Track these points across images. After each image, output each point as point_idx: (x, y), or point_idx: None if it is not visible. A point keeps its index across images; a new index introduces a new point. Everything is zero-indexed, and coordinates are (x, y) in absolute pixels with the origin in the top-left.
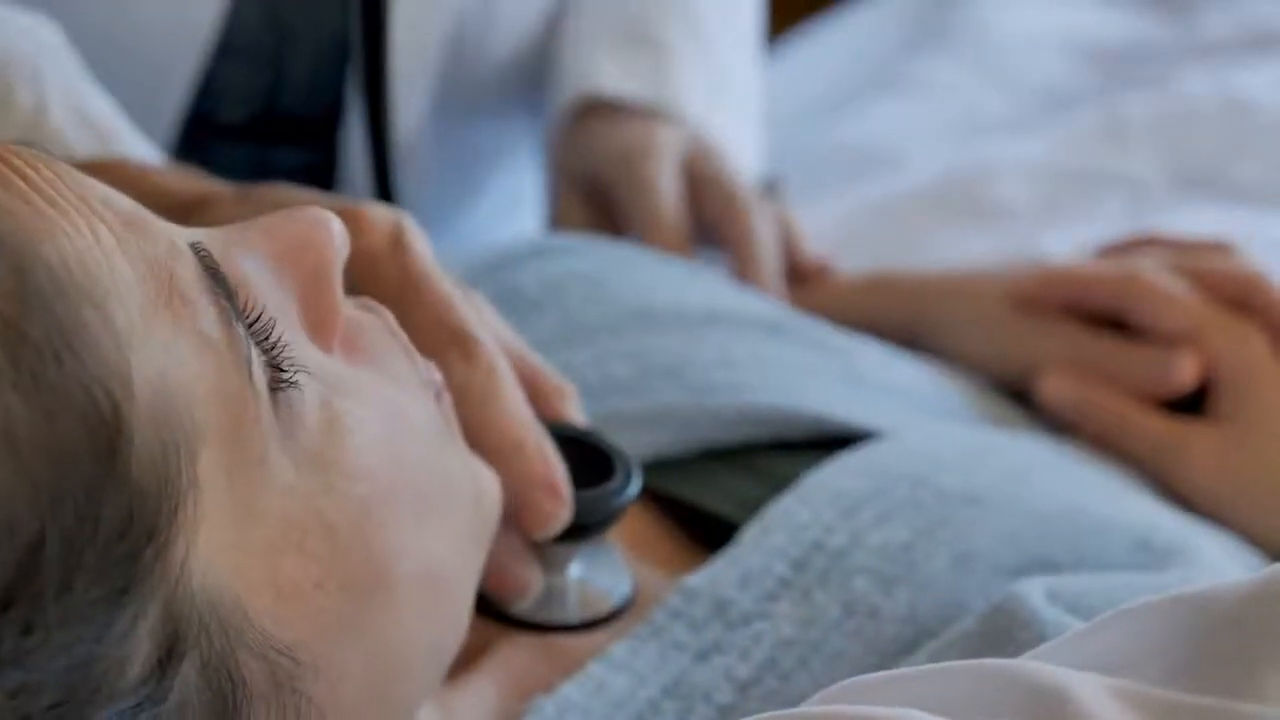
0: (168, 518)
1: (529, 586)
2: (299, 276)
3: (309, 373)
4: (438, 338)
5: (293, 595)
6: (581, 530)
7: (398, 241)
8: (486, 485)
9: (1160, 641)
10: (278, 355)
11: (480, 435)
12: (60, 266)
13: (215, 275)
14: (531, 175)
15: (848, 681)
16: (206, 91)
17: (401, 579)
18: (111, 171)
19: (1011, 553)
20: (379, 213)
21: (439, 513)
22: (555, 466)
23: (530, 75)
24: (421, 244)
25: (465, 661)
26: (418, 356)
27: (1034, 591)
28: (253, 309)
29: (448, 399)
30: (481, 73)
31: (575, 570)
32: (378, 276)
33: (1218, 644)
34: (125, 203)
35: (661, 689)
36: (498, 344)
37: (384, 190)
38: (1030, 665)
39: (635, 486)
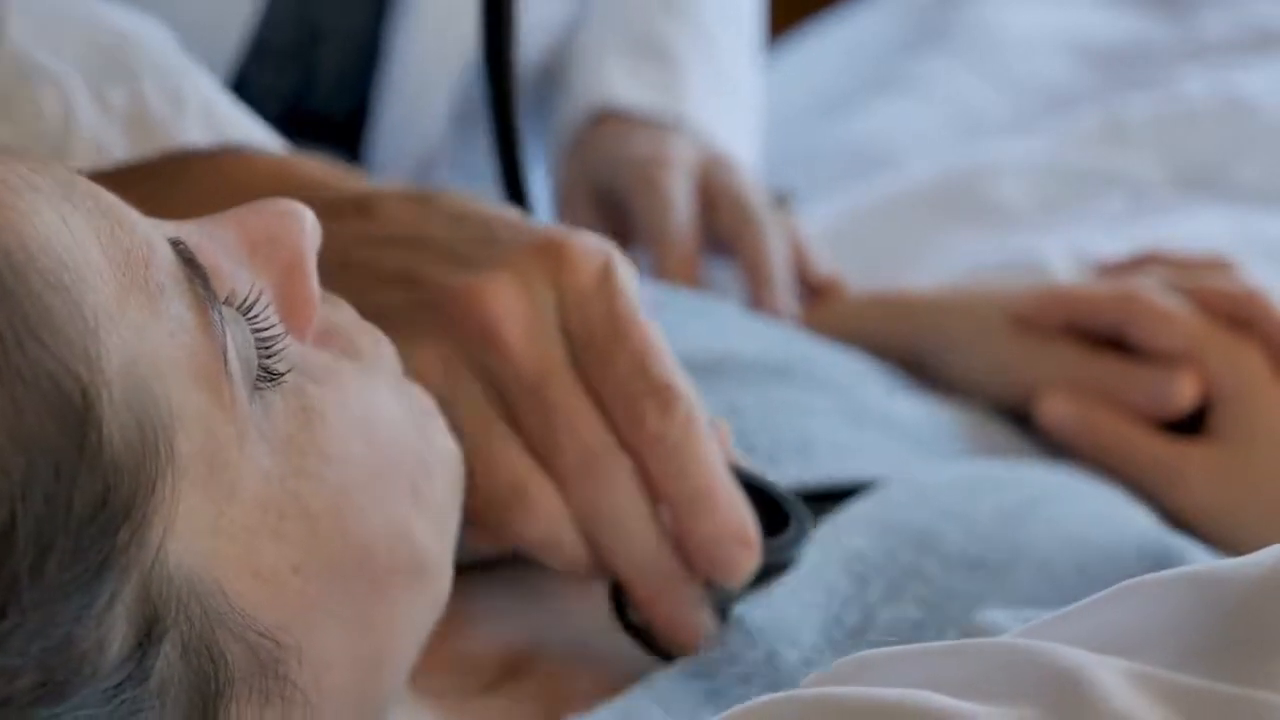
0: (144, 498)
1: (705, 633)
2: (274, 267)
3: (290, 362)
4: (637, 387)
5: (271, 579)
6: (759, 577)
7: (606, 279)
8: (454, 463)
9: (1171, 621)
10: (269, 348)
11: (674, 486)
12: (21, 253)
13: (191, 264)
14: (541, 193)
15: (860, 655)
16: (235, 91)
17: (380, 564)
18: (247, 167)
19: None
20: (588, 246)
21: (416, 495)
22: (748, 519)
23: (542, 89)
24: (629, 282)
25: (505, 674)
26: (386, 343)
27: (999, 615)
28: (238, 300)
29: (415, 386)
30: None
31: (736, 610)
32: (585, 316)
33: (1233, 628)
34: (106, 195)
35: None
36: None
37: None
38: (1046, 646)
39: (809, 535)
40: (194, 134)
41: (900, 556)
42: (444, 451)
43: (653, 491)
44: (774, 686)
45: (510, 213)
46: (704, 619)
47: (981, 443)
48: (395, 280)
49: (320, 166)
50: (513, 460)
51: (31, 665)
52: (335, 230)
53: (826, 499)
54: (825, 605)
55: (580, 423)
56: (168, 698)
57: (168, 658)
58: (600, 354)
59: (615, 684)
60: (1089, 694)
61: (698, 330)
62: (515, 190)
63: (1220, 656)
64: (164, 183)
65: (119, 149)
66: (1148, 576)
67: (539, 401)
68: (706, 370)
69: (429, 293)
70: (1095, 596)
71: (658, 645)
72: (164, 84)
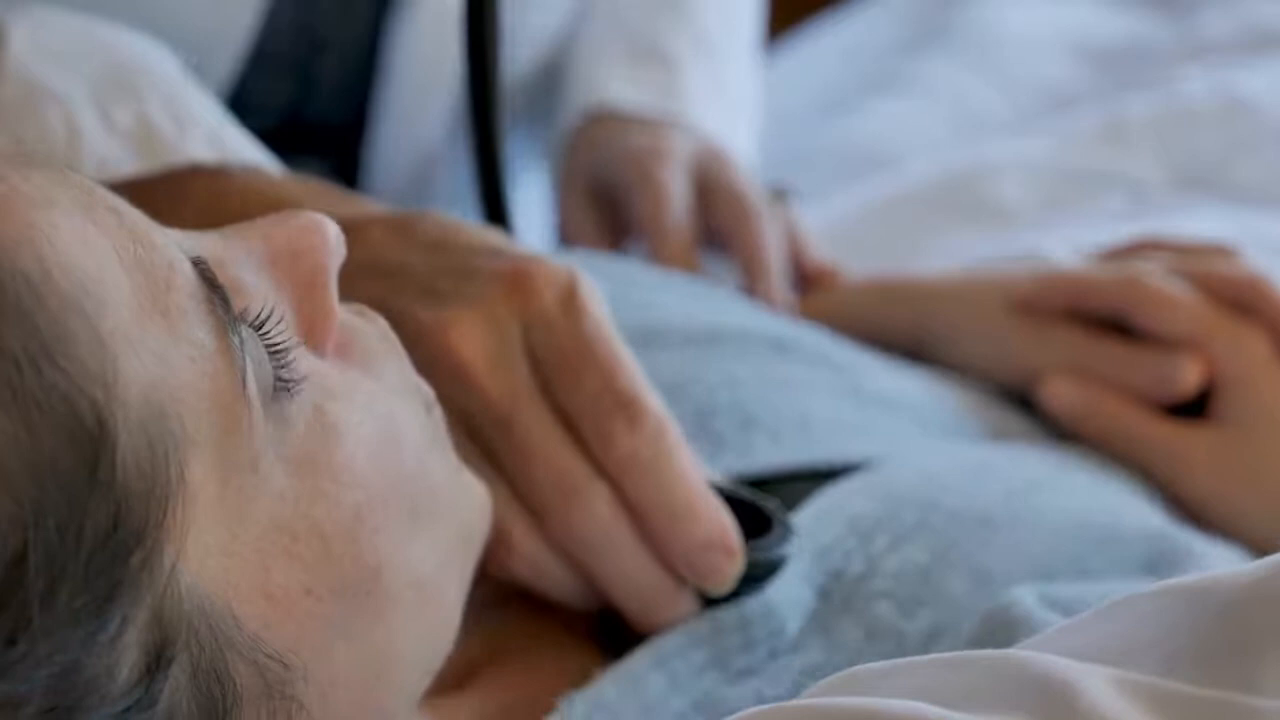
0: (155, 524)
1: None
2: (295, 280)
3: (305, 379)
4: (604, 405)
5: (283, 600)
6: (748, 583)
7: (570, 300)
8: (476, 500)
9: (1159, 631)
10: (281, 362)
11: (651, 502)
12: (40, 275)
13: (212, 285)
14: (539, 195)
15: (853, 670)
16: (235, 99)
17: (391, 586)
18: (247, 186)
19: (1024, 570)
20: (552, 270)
21: (428, 522)
22: (728, 526)
23: (542, 91)
24: (593, 302)
25: (476, 668)
26: (409, 364)
27: (1028, 596)
28: (252, 315)
29: (438, 412)
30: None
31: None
32: (551, 340)
33: (1220, 634)
34: (130, 210)
35: (692, 702)
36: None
37: (494, 212)
38: (1036, 656)
39: (794, 539)
40: (199, 154)
41: (905, 515)
42: (458, 482)
43: (631, 509)
44: (770, 656)
45: (491, 237)
46: None
47: (984, 423)
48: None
49: (314, 190)
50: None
51: (39, 692)
52: None
53: (822, 478)
54: (818, 567)
55: (551, 452)
56: None
57: (176, 681)
58: (566, 376)
59: (586, 671)
60: (1078, 702)
61: (696, 305)
62: (494, 200)
63: (1208, 663)
64: (162, 200)
65: (126, 168)
66: (1137, 591)
67: (509, 434)
68: (704, 342)
69: (402, 328)
70: (1083, 614)
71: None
72: (170, 105)
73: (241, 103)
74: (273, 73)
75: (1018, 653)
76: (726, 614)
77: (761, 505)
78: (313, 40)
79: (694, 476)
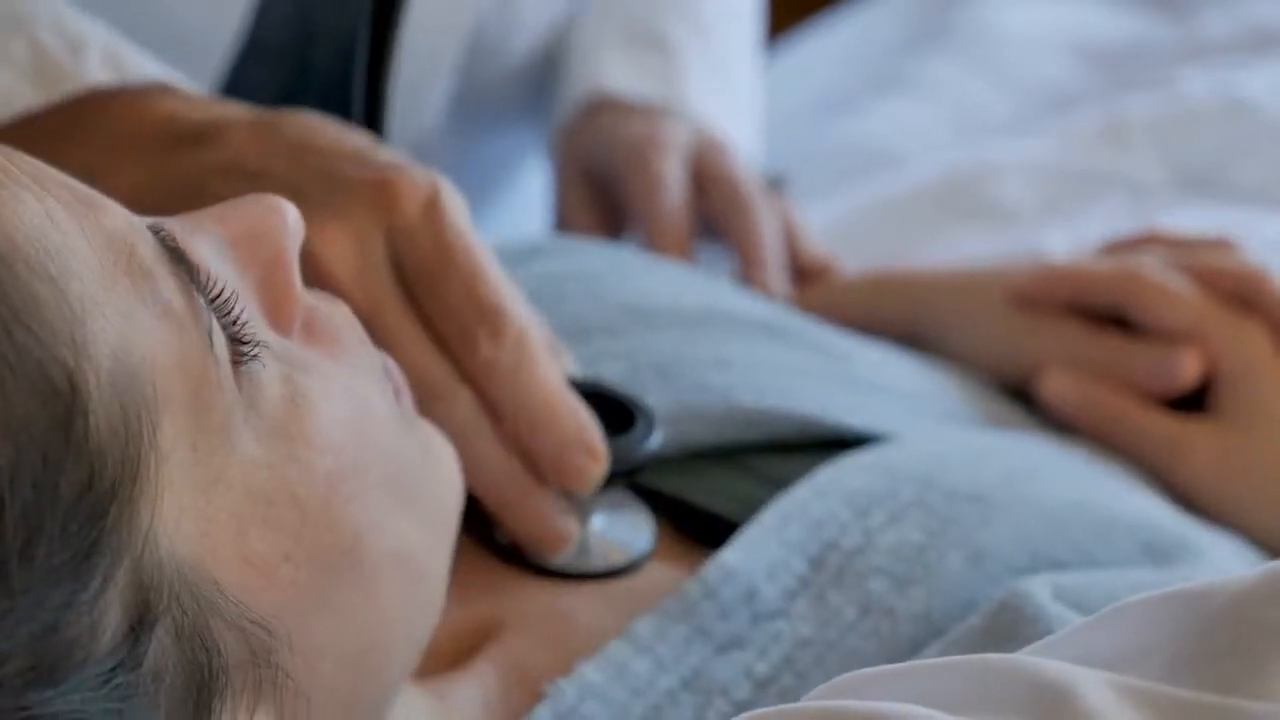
0: (129, 484)
1: (571, 538)
2: (256, 263)
3: (269, 348)
4: (467, 314)
5: (262, 566)
6: (609, 479)
7: (432, 210)
8: (450, 481)
9: (1161, 637)
10: (239, 329)
11: (512, 408)
12: (6, 242)
13: (174, 251)
14: (539, 186)
15: (851, 674)
16: (228, 91)
17: (371, 556)
18: (145, 110)
19: (1022, 552)
20: (414, 179)
21: (406, 499)
22: (589, 426)
23: (541, 82)
24: (456, 211)
25: (465, 650)
26: (375, 348)
27: (1040, 588)
28: (212, 284)
29: (407, 396)
30: (497, 79)
31: (598, 522)
32: (414, 249)
33: (1219, 639)
34: (82, 187)
35: (681, 680)
36: (527, 311)
37: (371, 113)
38: (1034, 661)
39: (659, 435)
40: (96, 77)
41: (902, 492)
42: (431, 459)
43: (494, 415)
44: (754, 621)
45: (355, 140)
46: (566, 525)
47: (982, 413)
48: None
49: (183, 99)
50: None
51: (22, 650)
52: (177, 161)
53: (816, 450)
54: (813, 537)
55: (414, 358)
56: (162, 684)
57: (161, 644)
58: (429, 285)
59: (574, 653)
60: (1076, 706)
61: (688, 289)
62: (373, 100)
63: (1206, 667)
64: (68, 131)
65: (27, 99)
66: (1133, 599)
67: (374, 341)
68: (695, 323)
69: None
70: (1086, 620)
71: (528, 560)
72: (59, 29)
73: (235, 94)
74: (268, 63)
75: (1017, 657)
76: (690, 587)
77: (626, 400)
78: (307, 29)
79: (554, 381)
